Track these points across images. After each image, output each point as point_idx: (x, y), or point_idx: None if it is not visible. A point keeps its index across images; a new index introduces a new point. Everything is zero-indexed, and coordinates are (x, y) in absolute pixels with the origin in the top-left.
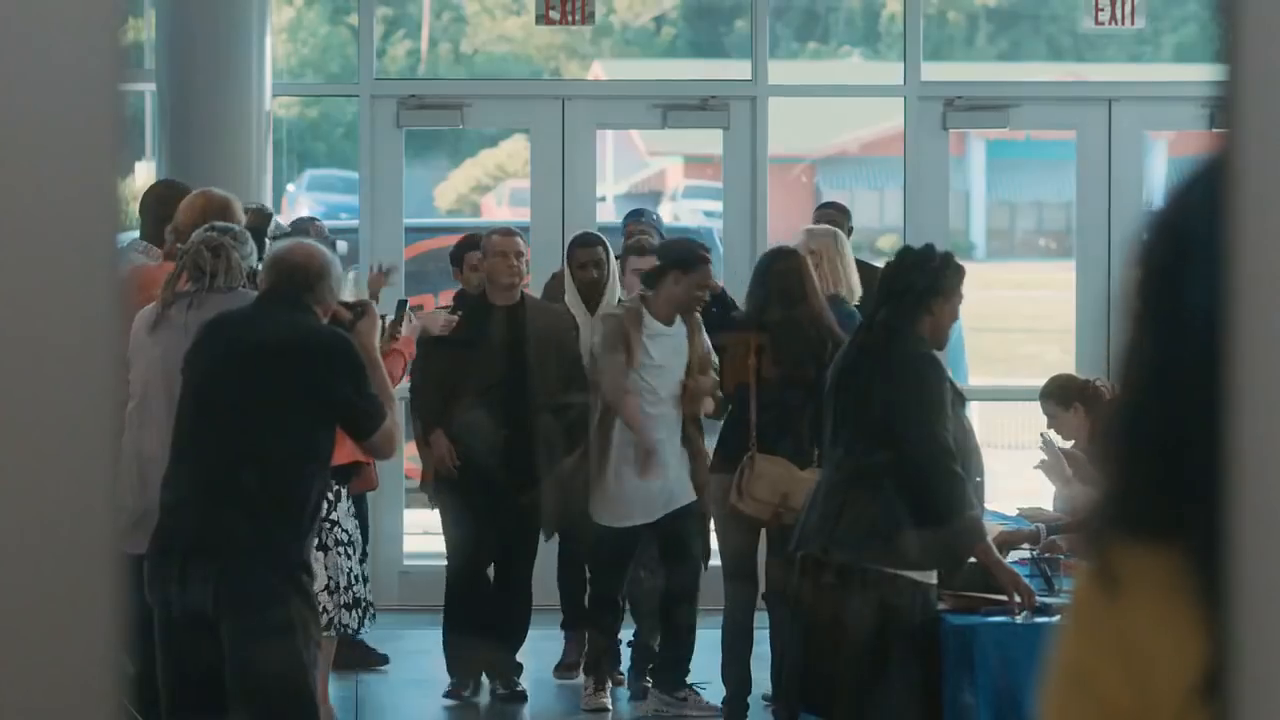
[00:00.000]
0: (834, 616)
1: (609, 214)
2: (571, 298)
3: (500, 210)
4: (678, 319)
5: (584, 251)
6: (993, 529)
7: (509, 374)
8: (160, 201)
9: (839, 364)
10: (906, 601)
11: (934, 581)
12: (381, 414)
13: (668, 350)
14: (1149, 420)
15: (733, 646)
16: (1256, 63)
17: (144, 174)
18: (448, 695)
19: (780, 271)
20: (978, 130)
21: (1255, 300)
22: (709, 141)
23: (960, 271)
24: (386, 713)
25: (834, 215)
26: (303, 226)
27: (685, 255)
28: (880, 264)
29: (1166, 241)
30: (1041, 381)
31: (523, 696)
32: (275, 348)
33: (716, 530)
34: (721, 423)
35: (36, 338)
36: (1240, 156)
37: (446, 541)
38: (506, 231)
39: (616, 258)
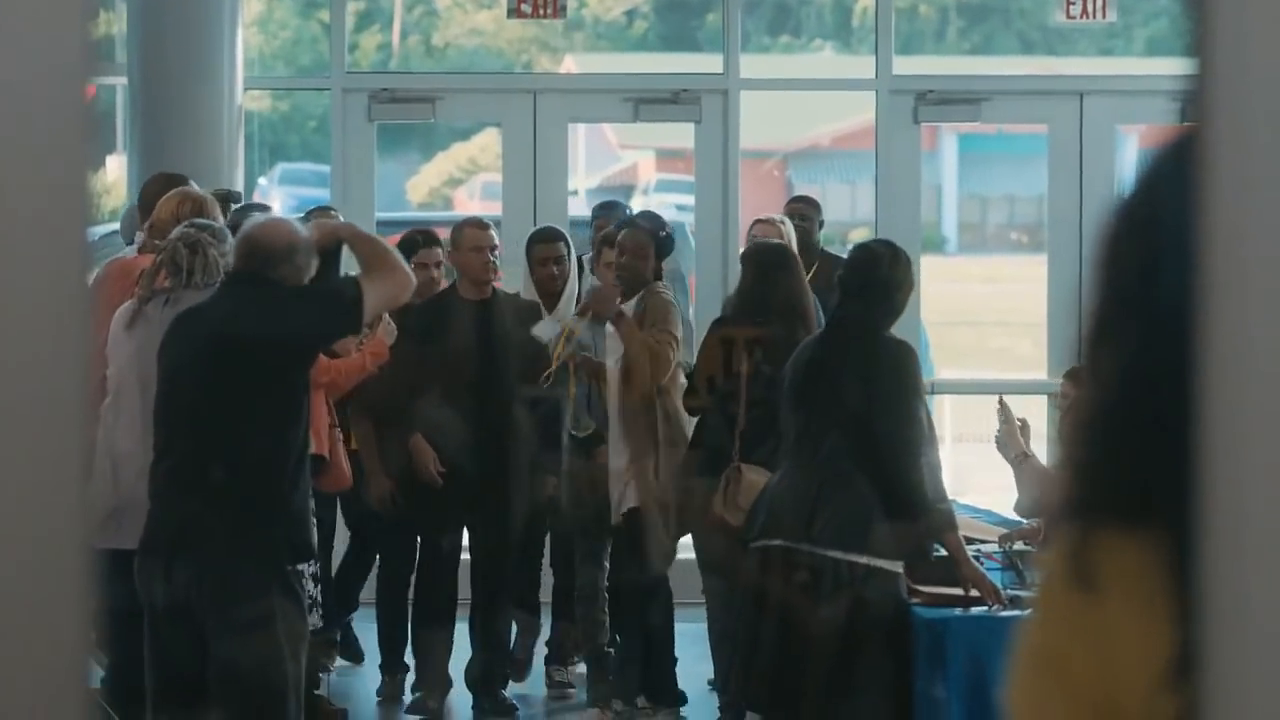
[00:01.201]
0: (808, 611)
1: (581, 208)
2: (528, 294)
3: (472, 204)
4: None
5: (543, 247)
6: (962, 522)
7: (483, 372)
8: (161, 195)
9: (803, 358)
10: (880, 594)
11: (901, 572)
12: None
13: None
14: (1119, 411)
15: (723, 650)
16: (1226, 57)
17: (115, 167)
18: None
19: (774, 265)
20: (949, 124)
21: (1225, 293)
22: (681, 135)
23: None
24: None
25: (804, 209)
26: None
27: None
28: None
29: (1134, 231)
30: (1012, 376)
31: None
32: (241, 331)
33: (693, 533)
34: (695, 419)
35: (5, 333)
36: (1210, 150)
37: (420, 555)
38: (479, 224)
39: (586, 254)
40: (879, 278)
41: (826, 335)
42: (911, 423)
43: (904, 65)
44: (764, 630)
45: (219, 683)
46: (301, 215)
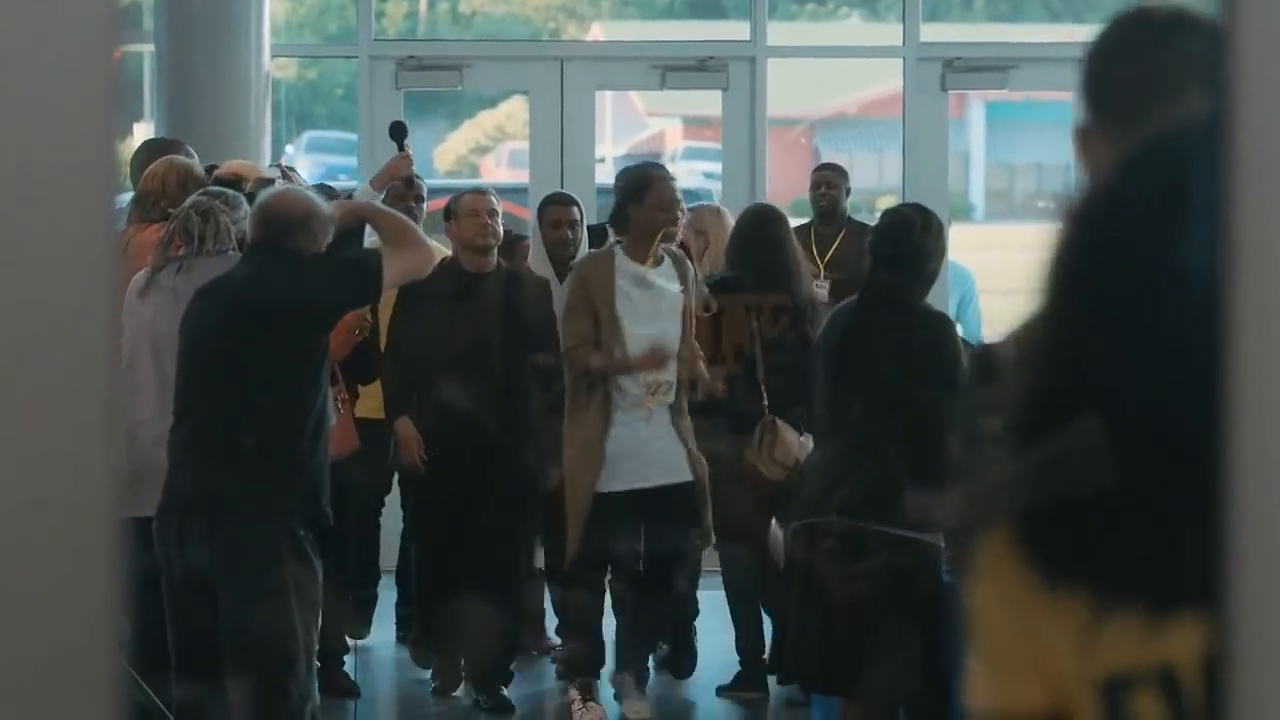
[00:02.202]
0: (849, 586)
1: (607, 175)
2: (539, 260)
3: (499, 172)
4: (665, 258)
5: (556, 209)
6: None
7: (488, 350)
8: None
9: (838, 328)
10: (921, 565)
11: (941, 544)
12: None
13: (653, 294)
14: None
15: (743, 614)
16: (1257, 21)
17: (142, 135)
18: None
19: (779, 231)
20: (977, 91)
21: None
22: (708, 103)
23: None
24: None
25: (831, 177)
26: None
27: (633, 181)
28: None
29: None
30: None
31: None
32: (261, 297)
33: (715, 495)
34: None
35: (33, 298)
36: (1238, 117)
37: (418, 539)
38: (478, 190)
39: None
40: (912, 244)
41: (862, 305)
42: (956, 394)
43: (931, 33)
44: (808, 607)
45: (230, 647)
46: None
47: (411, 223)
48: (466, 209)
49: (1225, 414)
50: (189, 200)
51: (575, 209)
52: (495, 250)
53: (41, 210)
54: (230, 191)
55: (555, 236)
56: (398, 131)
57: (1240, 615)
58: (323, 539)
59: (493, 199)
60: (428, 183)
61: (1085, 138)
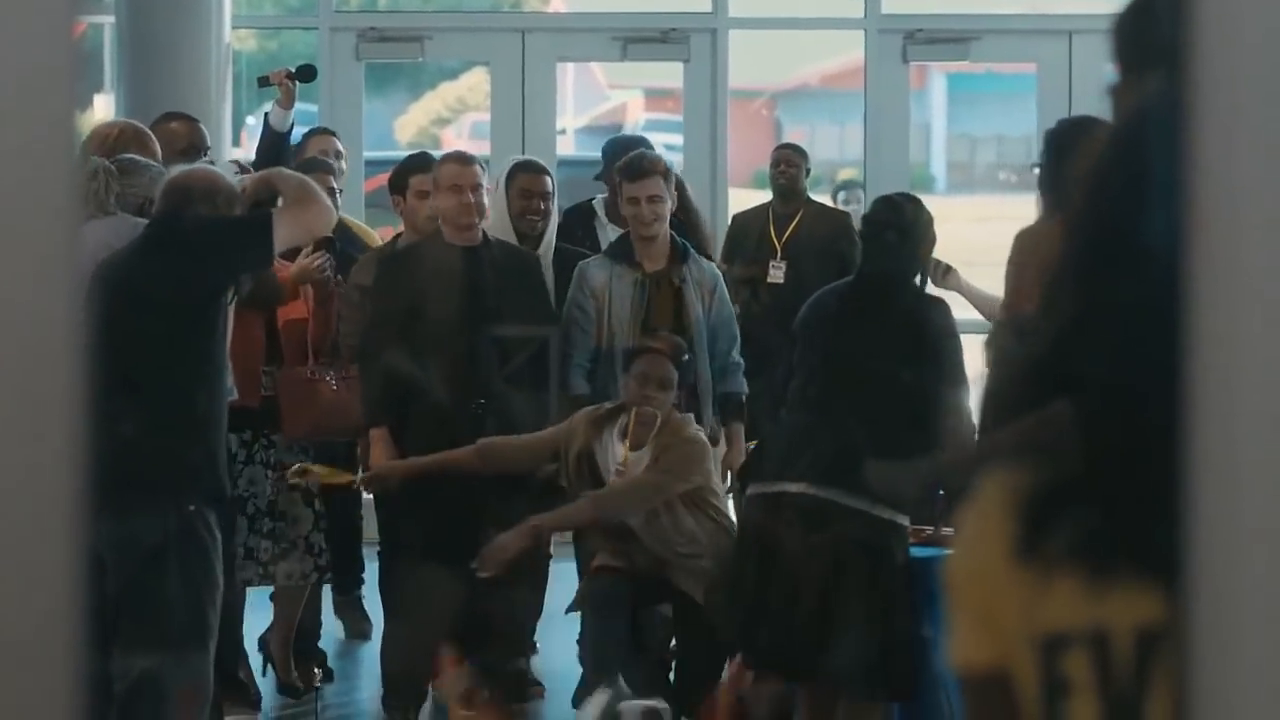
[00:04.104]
0: (811, 557)
1: (569, 147)
2: (500, 232)
3: (460, 143)
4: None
5: (527, 178)
6: None
7: (463, 330)
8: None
9: (827, 312)
10: (884, 540)
11: (904, 522)
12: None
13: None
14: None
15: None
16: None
17: (103, 106)
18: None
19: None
20: (938, 63)
21: (1215, 296)
22: (670, 74)
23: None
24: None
25: (791, 156)
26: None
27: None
28: (833, 203)
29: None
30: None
31: None
32: (150, 270)
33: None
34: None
35: None
36: (1199, 91)
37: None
38: (461, 158)
39: (598, 197)
40: (904, 230)
41: (854, 291)
42: (958, 381)
43: (893, 4)
44: (764, 581)
45: (123, 625)
46: (302, 135)
47: (314, 183)
48: (446, 181)
49: (1186, 394)
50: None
51: (548, 179)
52: (478, 226)
53: (3, 180)
54: (141, 159)
55: (523, 206)
56: (305, 73)
57: (1198, 591)
58: (220, 514)
59: (477, 170)
60: (388, 154)
61: (1119, 94)
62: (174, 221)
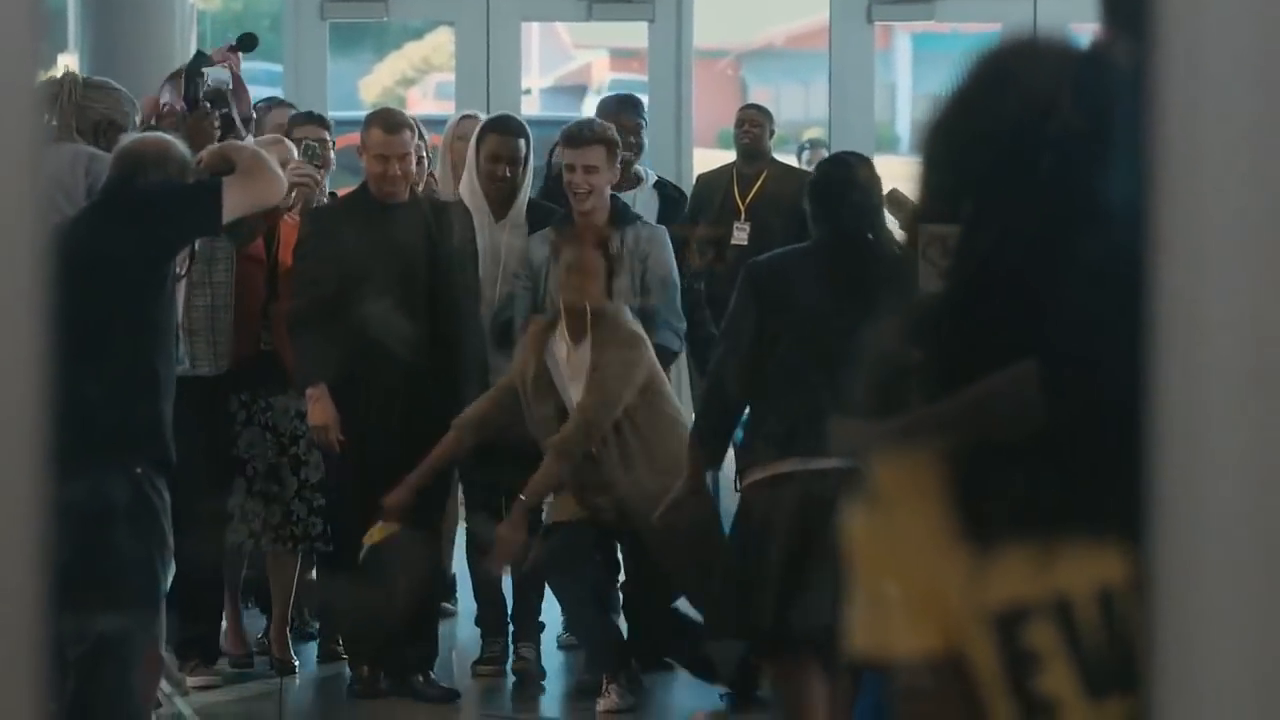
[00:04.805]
0: (782, 522)
1: (534, 107)
2: (470, 194)
3: (425, 103)
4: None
5: (496, 140)
6: None
7: (408, 295)
8: None
9: (783, 272)
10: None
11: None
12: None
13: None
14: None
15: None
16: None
17: (66, 66)
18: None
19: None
20: (903, 23)
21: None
22: (635, 34)
23: None
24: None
25: (755, 116)
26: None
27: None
28: (798, 162)
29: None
30: None
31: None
32: (97, 236)
33: None
34: None
35: None
36: (1161, 57)
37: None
38: (389, 123)
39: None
40: (860, 191)
41: (813, 251)
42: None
43: None
44: (789, 565)
45: (74, 589)
46: (259, 105)
47: (266, 155)
48: (373, 149)
49: (1148, 357)
50: None
51: (520, 143)
52: (406, 188)
53: None
54: (112, 82)
55: (490, 171)
56: (247, 42)
57: (1161, 554)
58: (168, 478)
59: (406, 137)
60: (353, 114)
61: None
62: (125, 186)
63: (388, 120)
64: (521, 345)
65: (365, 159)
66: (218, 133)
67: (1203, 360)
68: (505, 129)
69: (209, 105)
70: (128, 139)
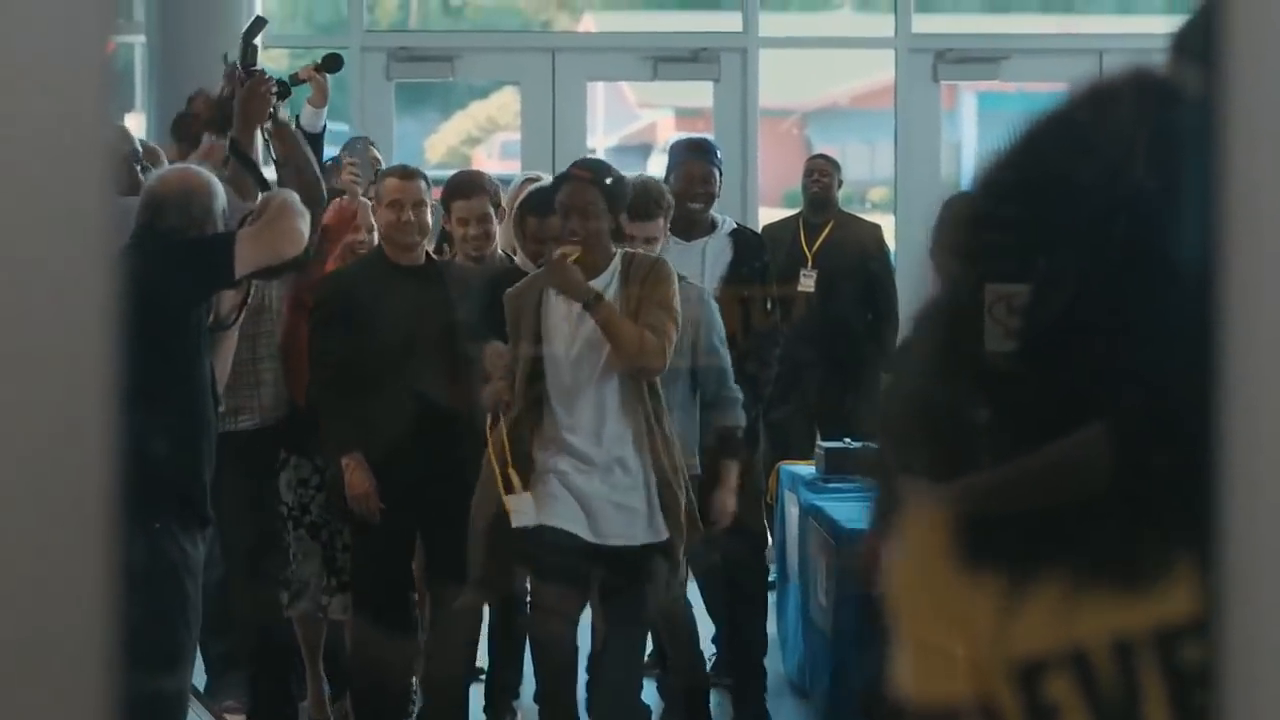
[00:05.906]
0: None
1: None
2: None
3: (490, 163)
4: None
5: (461, 205)
6: None
7: (424, 360)
8: None
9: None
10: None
11: None
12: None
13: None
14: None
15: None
16: (1248, 14)
17: (134, 125)
18: None
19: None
20: (969, 82)
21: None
22: (700, 94)
23: None
24: None
25: (824, 166)
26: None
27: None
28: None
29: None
30: None
31: None
32: (124, 289)
33: None
34: None
35: (31, 294)
36: (1229, 108)
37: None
38: (404, 172)
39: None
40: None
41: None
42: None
43: (923, 24)
44: None
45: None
46: (341, 148)
47: (295, 203)
48: (386, 197)
49: (1215, 401)
50: None
51: (485, 200)
52: (422, 244)
53: (37, 202)
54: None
55: (459, 234)
56: (331, 63)
57: (1231, 601)
58: (203, 534)
59: (420, 185)
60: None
61: None
62: (147, 237)
63: (402, 170)
64: (509, 316)
65: (378, 211)
66: (273, 100)
67: (1276, 412)
68: (466, 190)
69: (263, 72)
70: (153, 178)
